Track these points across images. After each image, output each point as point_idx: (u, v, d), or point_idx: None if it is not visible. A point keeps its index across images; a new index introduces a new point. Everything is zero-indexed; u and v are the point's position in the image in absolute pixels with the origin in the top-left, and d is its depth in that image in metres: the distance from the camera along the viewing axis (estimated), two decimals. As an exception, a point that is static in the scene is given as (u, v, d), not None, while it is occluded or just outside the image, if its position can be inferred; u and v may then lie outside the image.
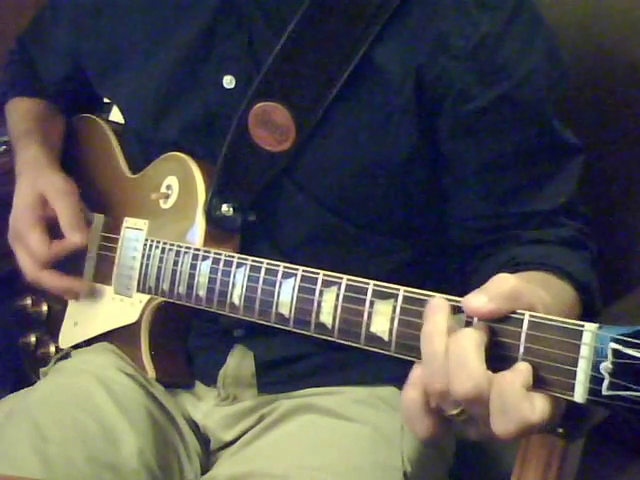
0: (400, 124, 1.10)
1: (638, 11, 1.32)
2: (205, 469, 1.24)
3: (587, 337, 0.74)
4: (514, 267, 1.04)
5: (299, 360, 1.23)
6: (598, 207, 1.19)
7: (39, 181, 1.29)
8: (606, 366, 0.72)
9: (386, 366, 1.13)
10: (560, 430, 1.01)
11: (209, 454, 1.26)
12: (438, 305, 0.81)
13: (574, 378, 0.74)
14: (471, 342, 0.77)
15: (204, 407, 1.26)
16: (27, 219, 1.27)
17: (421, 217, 1.20)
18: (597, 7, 1.36)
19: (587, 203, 1.16)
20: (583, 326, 0.74)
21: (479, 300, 0.80)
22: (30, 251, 1.26)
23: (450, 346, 0.78)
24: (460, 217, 1.16)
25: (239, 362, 1.24)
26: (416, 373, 0.81)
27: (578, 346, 0.74)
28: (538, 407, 0.76)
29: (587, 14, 1.36)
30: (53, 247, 1.26)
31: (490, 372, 0.77)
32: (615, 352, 0.72)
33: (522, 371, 0.77)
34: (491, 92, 1.07)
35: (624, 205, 1.34)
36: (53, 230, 1.27)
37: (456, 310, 0.82)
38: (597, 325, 0.74)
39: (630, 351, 0.71)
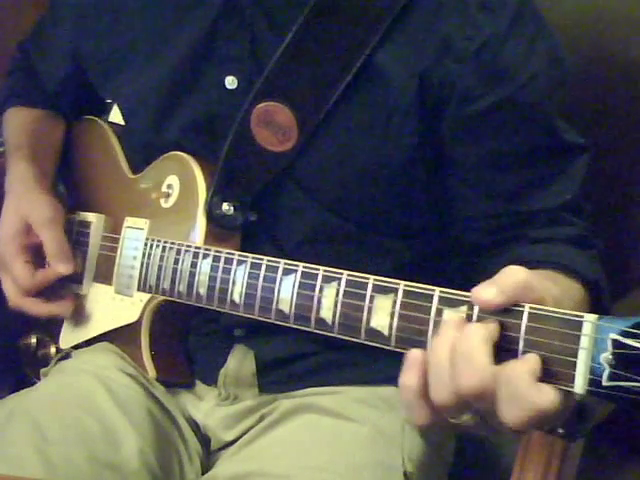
0: (401, 126, 1.10)
1: (638, 11, 1.32)
2: (206, 469, 1.23)
3: (587, 328, 0.74)
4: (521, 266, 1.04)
5: (299, 360, 1.23)
6: (598, 207, 1.19)
7: (24, 206, 1.29)
8: (606, 357, 0.72)
9: (386, 365, 1.13)
10: (560, 430, 1.00)
11: (210, 454, 1.26)
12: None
13: (574, 369, 0.74)
14: (477, 337, 0.78)
15: (205, 407, 1.26)
16: (11, 247, 1.27)
17: (422, 218, 1.20)
18: (597, 7, 1.36)
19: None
20: (583, 317, 0.75)
21: (489, 293, 0.80)
22: (13, 280, 1.27)
23: (457, 343, 0.79)
24: (466, 217, 1.16)
25: (240, 362, 1.24)
26: (414, 356, 0.82)
27: (578, 337, 0.74)
28: (546, 394, 0.75)
29: (587, 14, 1.36)
30: (37, 276, 1.27)
31: (495, 366, 0.77)
32: (615, 343, 0.72)
33: (529, 360, 0.77)
34: (494, 94, 1.07)
35: (624, 205, 1.34)
36: (39, 256, 1.28)
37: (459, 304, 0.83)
38: (597, 316, 0.74)
39: (630, 341, 0.71)
